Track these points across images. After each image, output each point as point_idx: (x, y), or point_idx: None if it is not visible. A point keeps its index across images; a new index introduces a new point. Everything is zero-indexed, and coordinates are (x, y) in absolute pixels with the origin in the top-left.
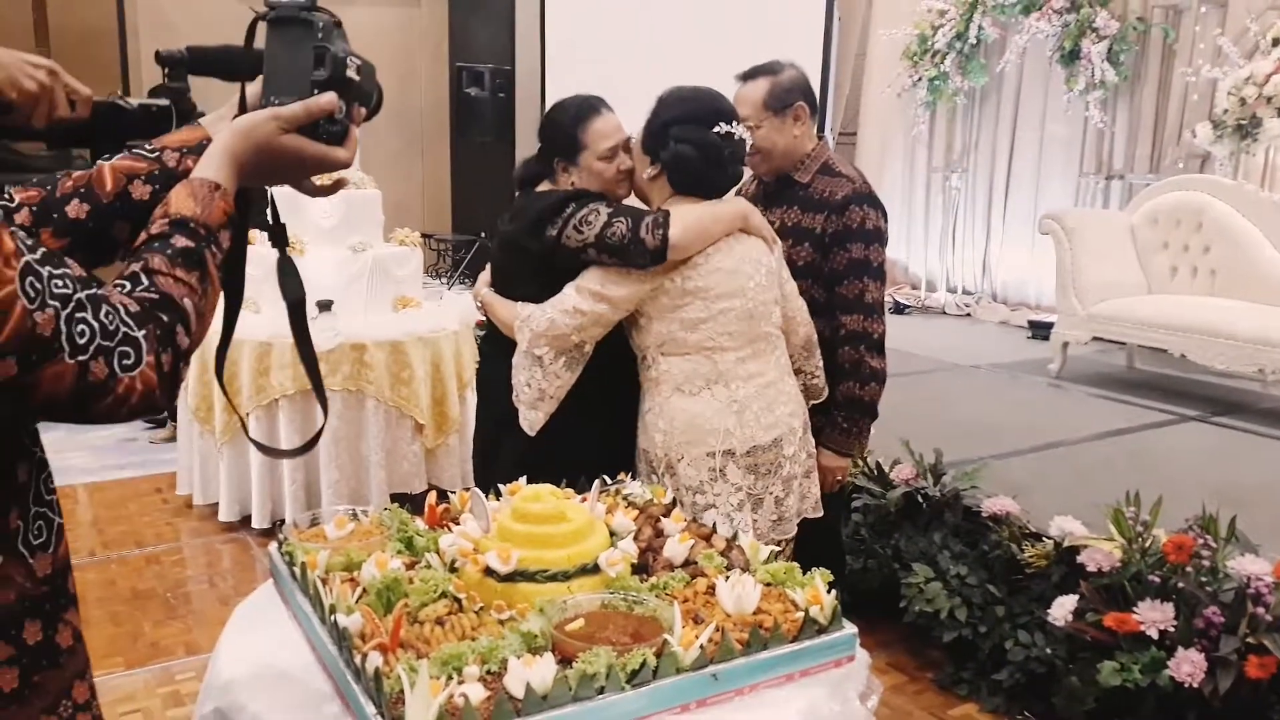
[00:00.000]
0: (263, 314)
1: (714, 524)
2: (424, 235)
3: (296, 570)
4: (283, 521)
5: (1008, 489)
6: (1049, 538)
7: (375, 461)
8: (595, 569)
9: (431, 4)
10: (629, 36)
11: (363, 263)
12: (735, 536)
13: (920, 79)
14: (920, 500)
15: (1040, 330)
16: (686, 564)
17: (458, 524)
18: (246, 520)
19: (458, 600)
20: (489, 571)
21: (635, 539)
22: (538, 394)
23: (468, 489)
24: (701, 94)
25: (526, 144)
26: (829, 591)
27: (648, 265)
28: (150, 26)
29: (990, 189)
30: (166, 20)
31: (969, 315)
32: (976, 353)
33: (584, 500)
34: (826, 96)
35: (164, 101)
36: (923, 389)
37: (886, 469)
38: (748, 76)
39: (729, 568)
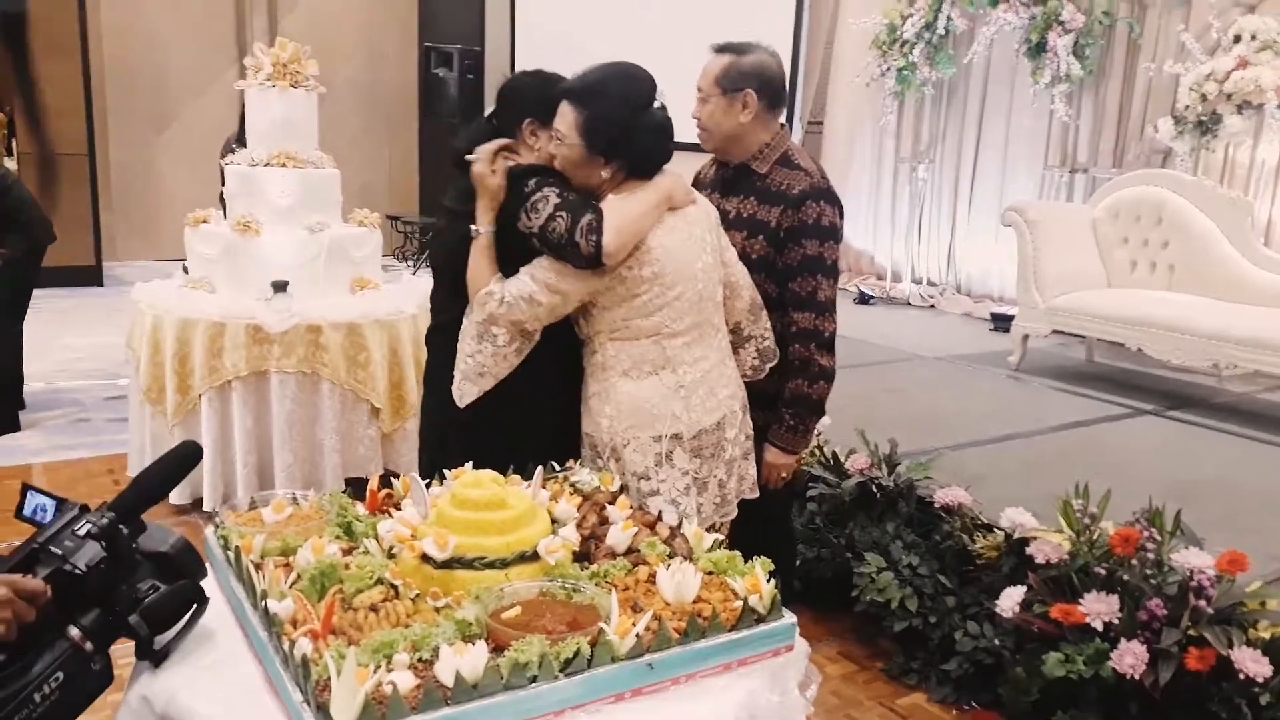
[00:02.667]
0: (217, 294)
1: (659, 512)
2: (390, 217)
3: (230, 555)
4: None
5: (962, 480)
6: (1000, 529)
7: (330, 445)
8: (534, 556)
9: None
10: (598, 18)
11: (320, 243)
12: (679, 525)
13: (889, 69)
14: (875, 490)
15: (1002, 322)
16: (629, 552)
17: (400, 509)
18: (198, 503)
19: (394, 587)
20: (426, 558)
21: (579, 526)
22: (479, 368)
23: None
24: (626, 73)
25: None
26: (769, 580)
27: (584, 268)
28: (110, 3)
29: (956, 180)
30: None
31: (933, 306)
32: (939, 344)
33: (528, 487)
34: (796, 84)
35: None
36: (883, 379)
37: (842, 458)
38: (719, 50)
39: (671, 556)
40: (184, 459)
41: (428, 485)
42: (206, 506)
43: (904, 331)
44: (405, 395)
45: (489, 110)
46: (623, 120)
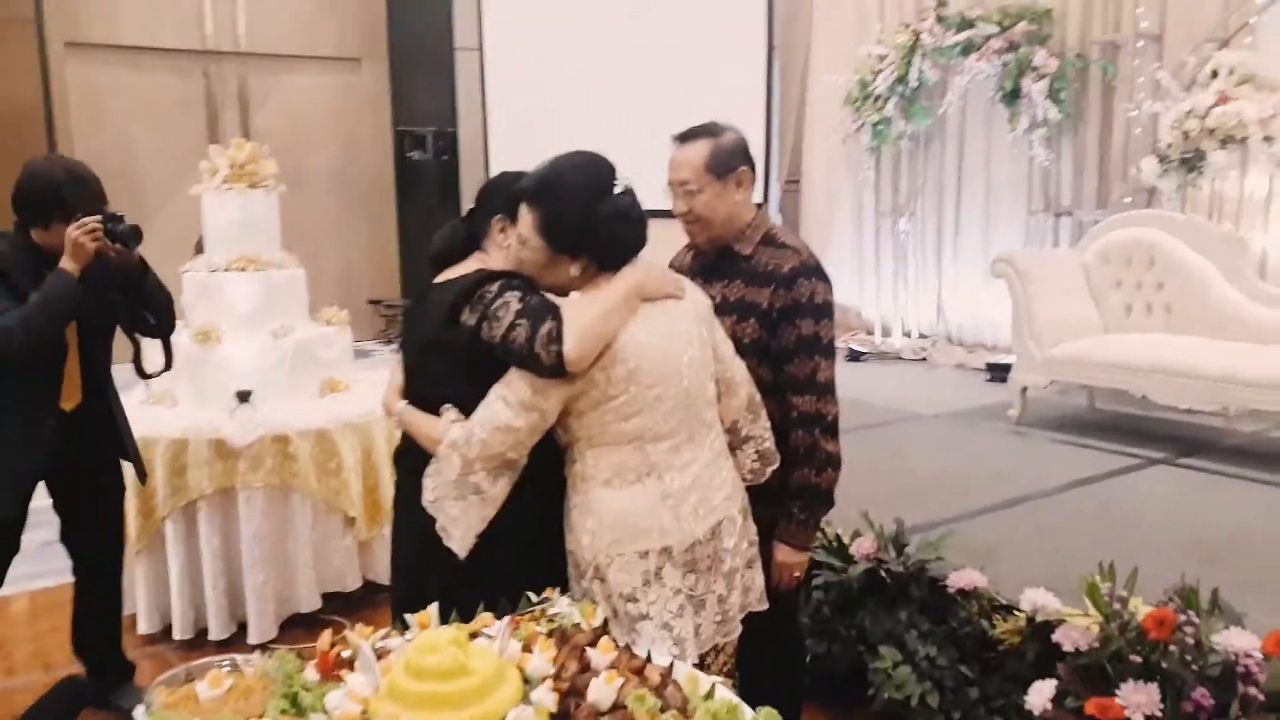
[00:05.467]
0: (179, 408)
1: (648, 654)
2: (372, 301)
3: None
4: (205, 631)
5: (974, 556)
6: (1020, 611)
7: (304, 560)
8: None
9: (372, 68)
10: (571, 96)
11: (284, 348)
12: (671, 667)
13: (863, 124)
14: (884, 575)
15: (999, 372)
16: (614, 708)
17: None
18: (168, 631)
19: None
20: None
21: (556, 679)
22: (473, 525)
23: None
24: (584, 161)
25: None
26: None
27: (547, 378)
28: (80, 104)
29: (939, 230)
30: (97, 98)
31: (925, 359)
32: (934, 399)
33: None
34: (771, 144)
35: None
36: (881, 443)
37: (847, 542)
38: (686, 137)
39: (663, 710)
40: (68, 700)
41: (384, 637)
42: (177, 635)
43: (898, 388)
44: (381, 500)
45: (464, 188)
46: (583, 213)
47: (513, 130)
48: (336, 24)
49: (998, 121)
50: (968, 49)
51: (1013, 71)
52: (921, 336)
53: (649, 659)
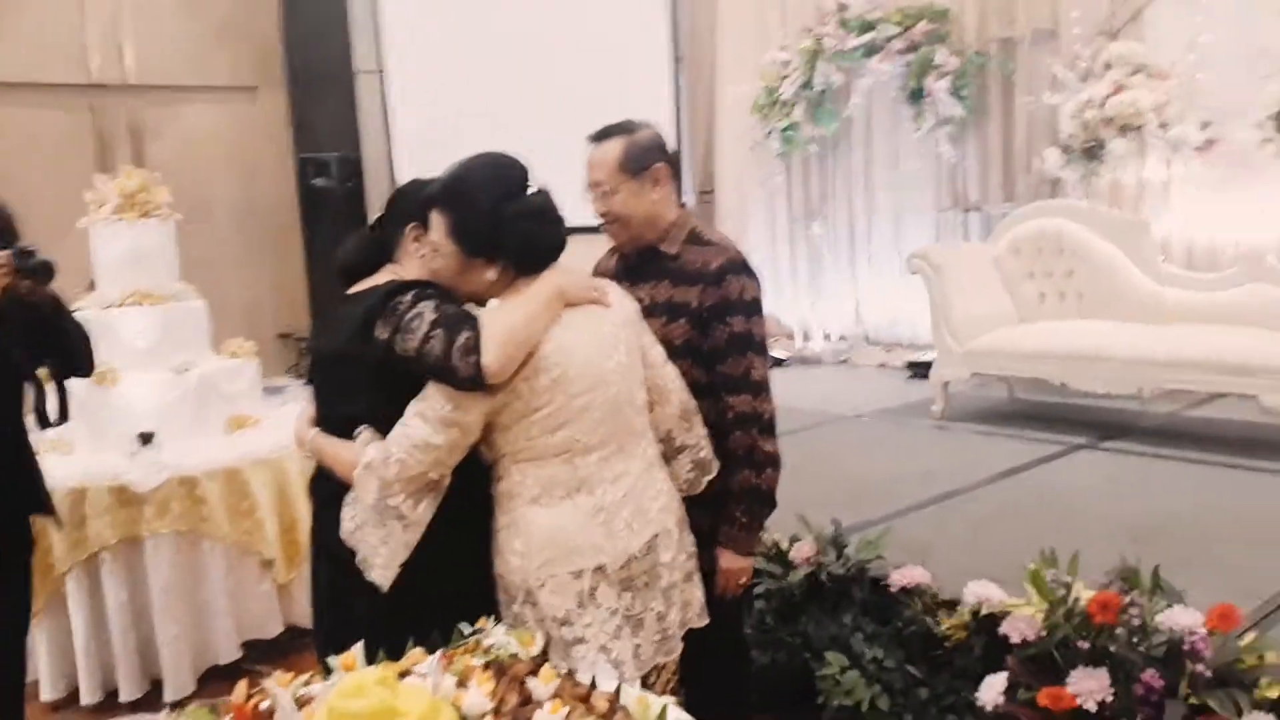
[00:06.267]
0: (75, 455)
1: (593, 679)
2: (281, 335)
3: None
4: (116, 693)
5: (912, 552)
6: (964, 605)
7: (220, 608)
8: None
9: (269, 96)
10: (476, 116)
11: (187, 384)
12: (619, 691)
13: (772, 131)
14: (824, 579)
15: (919, 370)
16: None
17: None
18: (74, 696)
19: None
20: None
21: (496, 714)
22: (395, 554)
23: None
24: (491, 161)
25: None
26: None
27: (466, 390)
28: None
29: (852, 232)
30: None
31: (846, 361)
32: (858, 400)
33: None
34: (681, 158)
35: None
36: (811, 446)
37: (785, 547)
38: (600, 136)
39: None
40: None
41: (306, 683)
42: (85, 699)
43: (822, 391)
44: (299, 539)
45: (371, 215)
46: (493, 212)
47: (419, 152)
48: (229, 53)
49: (903, 121)
50: (870, 51)
51: (915, 71)
52: (841, 339)
53: (594, 685)
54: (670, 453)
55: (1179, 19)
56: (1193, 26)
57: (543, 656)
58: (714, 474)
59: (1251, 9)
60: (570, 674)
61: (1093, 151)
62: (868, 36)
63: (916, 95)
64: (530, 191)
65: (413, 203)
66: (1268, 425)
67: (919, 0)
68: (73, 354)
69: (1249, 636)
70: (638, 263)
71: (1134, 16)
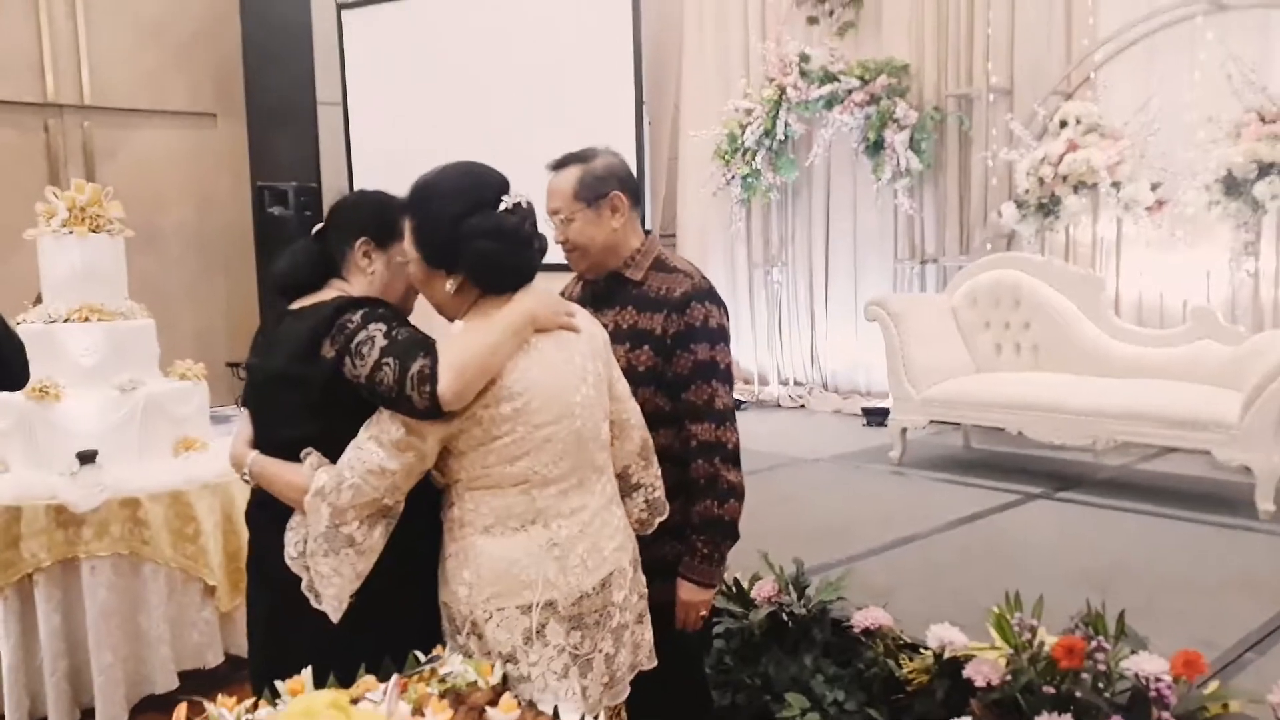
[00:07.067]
0: (11, 473)
1: (555, 709)
2: (230, 364)
3: None
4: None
5: (873, 594)
6: (927, 649)
7: (158, 636)
8: None
9: (228, 124)
10: (436, 149)
11: (133, 403)
12: None
13: (734, 177)
14: (785, 619)
15: (875, 417)
16: None
17: None
18: None
19: None
20: None
21: None
22: (348, 583)
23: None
24: (465, 171)
25: None
26: None
27: (422, 419)
28: None
29: (811, 280)
30: None
31: (803, 406)
32: (817, 445)
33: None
34: (643, 201)
35: None
36: (771, 487)
37: (746, 586)
38: (558, 165)
39: None
40: None
41: (251, 709)
42: None
43: (780, 434)
44: (243, 566)
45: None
46: (452, 223)
47: (380, 183)
48: (188, 79)
49: (862, 172)
50: (831, 102)
51: (875, 124)
52: (797, 384)
53: (557, 716)
54: (625, 490)
55: (1131, 82)
56: (1146, 89)
57: (503, 686)
58: (665, 516)
59: (1201, 77)
60: (532, 704)
61: (1047, 207)
62: (829, 88)
63: (876, 147)
64: (503, 208)
65: (364, 213)
66: (1219, 480)
67: (880, 55)
68: (4, 366)
69: (1211, 685)
70: (604, 289)
71: (1087, 79)
